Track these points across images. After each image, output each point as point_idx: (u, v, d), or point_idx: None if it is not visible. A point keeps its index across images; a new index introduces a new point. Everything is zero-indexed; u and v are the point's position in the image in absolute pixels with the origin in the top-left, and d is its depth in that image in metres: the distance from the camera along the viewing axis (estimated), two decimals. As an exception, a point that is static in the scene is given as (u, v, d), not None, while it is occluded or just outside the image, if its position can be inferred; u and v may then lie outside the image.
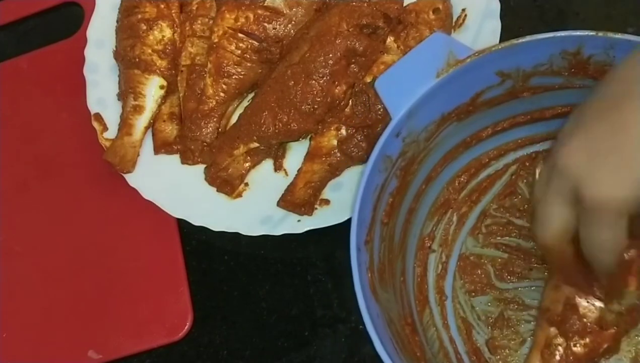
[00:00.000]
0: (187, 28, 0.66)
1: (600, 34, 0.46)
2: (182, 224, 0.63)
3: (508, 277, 0.55)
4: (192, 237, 0.63)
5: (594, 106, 0.42)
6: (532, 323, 0.53)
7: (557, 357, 0.50)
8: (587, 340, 0.50)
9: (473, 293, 0.55)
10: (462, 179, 0.57)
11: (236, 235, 0.60)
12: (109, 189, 0.66)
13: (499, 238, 0.57)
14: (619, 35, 0.46)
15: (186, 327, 0.60)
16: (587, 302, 0.50)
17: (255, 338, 0.60)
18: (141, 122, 0.65)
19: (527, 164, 0.57)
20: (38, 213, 0.68)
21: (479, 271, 0.56)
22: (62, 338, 0.63)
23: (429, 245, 0.57)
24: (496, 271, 0.56)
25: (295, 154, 0.63)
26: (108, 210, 0.66)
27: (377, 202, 0.49)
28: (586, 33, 0.47)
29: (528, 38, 0.47)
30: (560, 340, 0.51)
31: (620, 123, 0.40)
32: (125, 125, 0.65)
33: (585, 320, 0.50)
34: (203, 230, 0.61)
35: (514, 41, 0.48)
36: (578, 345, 0.50)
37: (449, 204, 0.57)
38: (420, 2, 0.62)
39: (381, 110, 0.60)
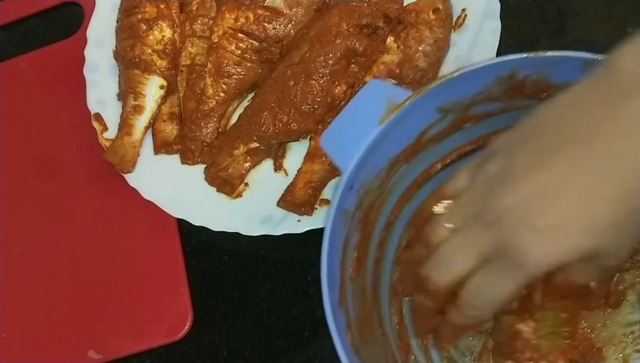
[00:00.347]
0: (187, 28, 0.66)
1: (531, 54, 0.46)
2: (182, 224, 0.63)
3: None
4: (192, 237, 0.63)
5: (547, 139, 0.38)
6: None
7: None
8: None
9: None
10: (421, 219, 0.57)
11: (236, 235, 0.60)
12: (109, 189, 0.66)
13: None
14: (549, 53, 0.46)
15: (186, 327, 0.60)
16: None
17: (255, 338, 0.60)
18: (141, 122, 0.65)
19: None
20: (38, 214, 0.68)
21: None
22: (62, 338, 0.63)
23: (400, 289, 0.55)
24: None
25: (295, 154, 0.63)
26: (108, 210, 0.66)
27: (343, 260, 0.49)
28: (517, 56, 0.46)
29: (462, 70, 0.47)
30: None
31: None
32: (125, 125, 0.65)
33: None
34: (203, 230, 0.61)
35: (448, 76, 0.47)
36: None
37: (413, 245, 0.56)
38: (420, 2, 0.62)
39: None
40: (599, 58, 0.43)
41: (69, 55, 0.71)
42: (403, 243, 0.56)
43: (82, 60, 0.68)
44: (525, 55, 0.46)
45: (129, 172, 0.64)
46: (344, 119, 0.50)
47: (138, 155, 0.64)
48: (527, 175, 0.37)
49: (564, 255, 0.37)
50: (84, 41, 0.69)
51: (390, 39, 0.62)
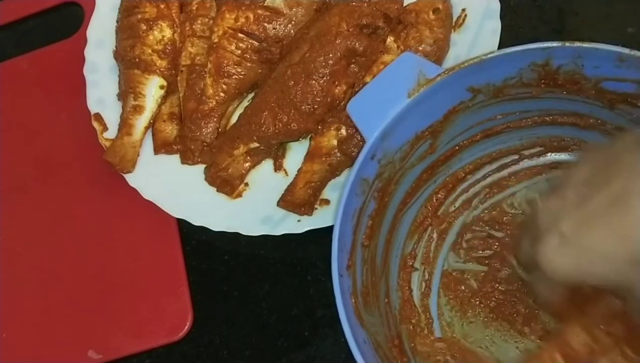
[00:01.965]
0: (187, 28, 0.66)
1: (568, 43, 0.46)
2: (182, 224, 0.63)
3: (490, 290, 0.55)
4: (192, 237, 0.63)
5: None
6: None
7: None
8: None
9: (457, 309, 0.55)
10: (439, 196, 0.58)
11: (236, 235, 0.60)
12: (108, 189, 0.66)
13: (480, 252, 0.57)
14: (586, 45, 0.46)
15: (186, 327, 0.60)
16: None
17: (255, 338, 0.60)
18: (141, 122, 0.65)
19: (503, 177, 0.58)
20: (38, 213, 0.68)
21: (462, 286, 0.56)
22: (62, 338, 0.63)
23: (411, 264, 0.56)
24: (479, 284, 0.56)
25: (295, 154, 0.63)
26: (108, 210, 0.66)
27: (356, 226, 0.49)
28: (554, 44, 0.47)
29: (496, 53, 0.48)
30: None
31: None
32: (125, 125, 0.65)
33: None
34: (203, 230, 0.61)
35: (483, 57, 0.48)
36: None
37: (428, 221, 0.57)
38: (420, 2, 0.62)
39: None
40: (634, 54, 0.44)
41: (69, 55, 0.71)
42: (418, 218, 0.56)
43: (82, 60, 0.68)
44: (561, 43, 0.46)
45: (129, 172, 0.64)
46: (373, 88, 0.50)
47: (138, 155, 0.64)
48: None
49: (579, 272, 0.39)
50: (84, 41, 0.69)
51: (390, 39, 0.62)
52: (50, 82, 0.72)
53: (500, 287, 0.55)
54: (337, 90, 0.61)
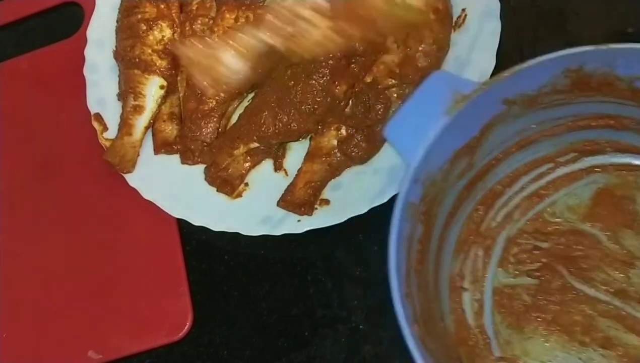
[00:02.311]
0: (187, 28, 0.66)
1: (602, 47, 0.46)
2: (182, 224, 0.63)
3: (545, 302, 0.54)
4: (192, 237, 0.63)
5: None
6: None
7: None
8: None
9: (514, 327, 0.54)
10: (479, 212, 0.57)
11: (236, 235, 0.60)
12: (108, 189, 0.66)
13: (529, 265, 0.55)
14: (620, 46, 0.46)
15: (186, 327, 0.60)
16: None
17: (255, 338, 0.60)
18: (141, 122, 0.65)
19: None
20: (38, 213, 0.68)
21: (516, 302, 0.55)
22: (62, 338, 0.63)
23: (460, 284, 0.55)
24: (532, 298, 0.54)
25: (295, 154, 0.63)
26: (108, 210, 0.66)
27: (408, 252, 0.48)
28: (587, 48, 0.46)
29: (531, 62, 0.47)
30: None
31: None
32: (125, 125, 0.65)
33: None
34: (203, 230, 0.61)
35: (517, 68, 0.47)
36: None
37: (472, 239, 0.56)
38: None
39: (381, 110, 0.60)
40: None
41: (69, 55, 0.71)
42: (462, 236, 0.56)
43: (82, 60, 0.68)
44: (594, 47, 0.46)
45: (129, 172, 0.64)
46: (408, 110, 0.49)
47: (138, 155, 0.64)
48: None
49: None
50: (84, 41, 0.69)
51: (390, 39, 0.62)
52: (50, 82, 0.72)
53: (554, 299, 0.54)
54: (337, 90, 0.60)
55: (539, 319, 0.54)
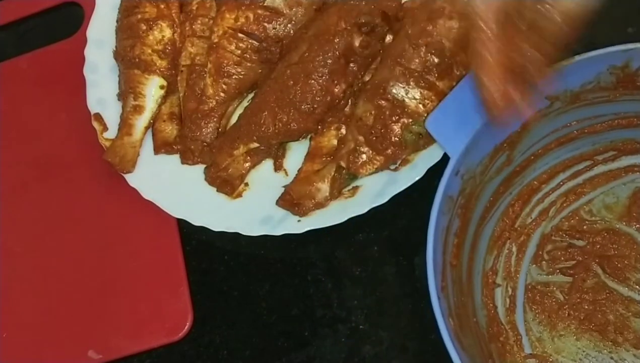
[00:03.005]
0: (187, 28, 0.66)
1: None
2: (182, 224, 0.63)
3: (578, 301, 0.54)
4: (192, 237, 0.63)
5: None
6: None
7: (361, 160, 0.57)
8: (389, 151, 0.56)
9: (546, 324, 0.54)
10: (515, 208, 0.57)
11: (236, 235, 0.60)
12: (108, 189, 0.66)
13: (563, 262, 0.56)
14: None
15: (186, 327, 0.60)
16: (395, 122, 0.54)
17: (255, 338, 0.60)
18: (141, 122, 0.65)
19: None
20: (38, 213, 0.68)
21: (548, 299, 0.55)
22: (62, 338, 0.63)
23: (492, 280, 0.56)
24: (565, 296, 0.55)
25: (295, 154, 0.63)
26: (108, 210, 0.66)
27: (445, 245, 0.49)
28: (636, 45, 0.46)
29: (576, 58, 0.47)
30: (365, 148, 0.56)
31: None
32: (125, 125, 0.65)
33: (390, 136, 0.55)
34: (203, 230, 0.61)
35: (563, 63, 0.47)
36: (380, 154, 0.55)
37: (507, 235, 0.57)
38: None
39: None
40: None
41: (69, 55, 0.71)
42: (496, 232, 0.56)
43: (82, 60, 0.68)
44: None
45: (129, 172, 0.64)
46: (451, 102, 0.49)
47: (138, 155, 0.64)
48: None
49: None
50: (84, 41, 0.69)
51: (389, 38, 0.62)
52: (50, 82, 0.72)
53: (587, 297, 0.54)
54: (336, 90, 0.60)
55: (571, 317, 0.54)
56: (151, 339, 0.61)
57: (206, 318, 0.61)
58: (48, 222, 0.67)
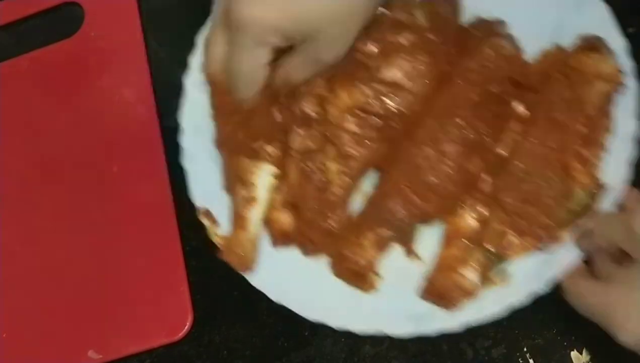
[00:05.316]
0: (294, 108, 0.58)
1: None
2: (182, 224, 0.63)
3: None
4: (192, 237, 0.63)
5: None
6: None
7: (511, 242, 0.54)
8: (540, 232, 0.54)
9: None
10: None
11: (236, 235, 0.60)
12: (108, 189, 0.66)
13: None
14: None
15: (186, 327, 0.61)
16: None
17: (255, 338, 0.60)
18: (255, 214, 0.58)
19: None
20: (38, 213, 0.68)
21: None
22: (62, 338, 0.63)
23: None
24: None
25: (424, 237, 0.57)
26: (108, 210, 0.66)
27: None
28: None
29: None
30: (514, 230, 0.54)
31: None
32: (238, 219, 0.59)
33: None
34: (203, 230, 0.60)
35: None
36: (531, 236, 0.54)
37: None
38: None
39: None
40: None
41: (69, 55, 0.71)
42: None
43: (82, 60, 0.68)
44: None
45: (250, 270, 0.58)
46: None
47: (257, 251, 0.58)
48: None
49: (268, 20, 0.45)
50: (84, 41, 0.69)
51: (516, 103, 0.57)
52: (50, 82, 0.72)
53: None
54: (471, 166, 0.55)
55: None
56: (151, 339, 0.61)
57: (206, 318, 0.61)
58: (48, 222, 0.67)
